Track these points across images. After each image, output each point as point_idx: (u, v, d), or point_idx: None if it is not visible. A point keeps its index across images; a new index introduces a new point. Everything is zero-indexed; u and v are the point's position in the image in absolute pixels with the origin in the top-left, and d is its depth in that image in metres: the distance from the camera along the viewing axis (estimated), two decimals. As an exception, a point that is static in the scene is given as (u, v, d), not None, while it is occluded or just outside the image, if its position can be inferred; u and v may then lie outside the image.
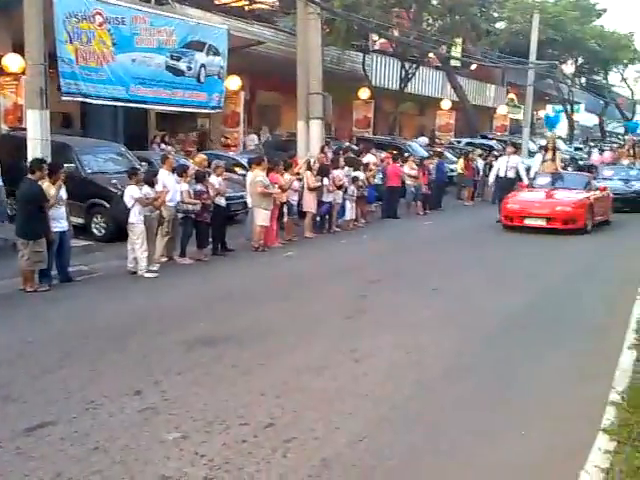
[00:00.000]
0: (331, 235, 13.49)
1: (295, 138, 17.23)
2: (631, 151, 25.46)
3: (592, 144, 38.35)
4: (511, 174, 16.82)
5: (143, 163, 12.66)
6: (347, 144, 19.96)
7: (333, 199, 13.51)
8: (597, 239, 13.53)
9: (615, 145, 37.21)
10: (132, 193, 9.37)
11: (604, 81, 48.25)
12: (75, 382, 5.33)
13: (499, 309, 7.84)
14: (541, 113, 46.55)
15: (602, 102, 49.09)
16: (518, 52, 30.15)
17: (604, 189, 15.46)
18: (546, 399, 5.15)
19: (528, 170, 17.11)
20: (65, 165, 10.16)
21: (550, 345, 6.44)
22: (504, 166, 17.02)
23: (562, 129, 47.25)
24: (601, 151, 32.88)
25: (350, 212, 14.19)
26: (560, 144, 34.55)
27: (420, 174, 16.78)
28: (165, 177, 10.17)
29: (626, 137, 37.95)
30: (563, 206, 13.74)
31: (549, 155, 17.39)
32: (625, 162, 24.35)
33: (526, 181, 16.29)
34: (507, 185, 16.26)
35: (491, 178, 17.43)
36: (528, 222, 13.65)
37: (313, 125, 16.40)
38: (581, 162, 30.19)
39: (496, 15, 30.78)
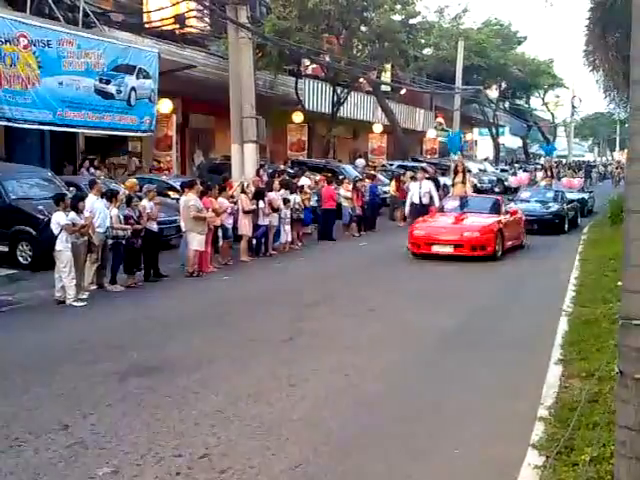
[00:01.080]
0: (267, 258, 13.45)
1: (229, 161, 17.18)
2: (548, 172, 25.99)
3: (517, 165, 39.87)
4: (425, 200, 16.81)
5: (71, 188, 12.31)
6: (282, 167, 20.04)
7: (269, 222, 13.51)
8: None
9: (532, 167, 38.33)
10: (59, 220, 9.09)
11: (526, 105, 50.49)
12: (-2, 419, 5.08)
13: (432, 328, 7.99)
14: (468, 136, 48.15)
15: (525, 125, 51.28)
16: (445, 77, 31.23)
17: (515, 212, 15.10)
18: (479, 416, 5.26)
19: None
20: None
21: (482, 363, 6.60)
22: (417, 192, 17.00)
23: (485, 151, 49.00)
24: (525, 172, 34.10)
25: (286, 235, 14.21)
26: (487, 166, 35.77)
27: (354, 196, 17.01)
28: (93, 202, 9.92)
29: (542, 159, 39.59)
30: (471, 232, 13.06)
31: (458, 178, 17.49)
32: (542, 183, 24.58)
33: (438, 204, 16.18)
34: (422, 211, 16.07)
35: (407, 207, 17.25)
36: (435, 249, 12.94)
37: (247, 148, 16.41)
38: (506, 183, 31.35)
39: (423, 41, 31.76)
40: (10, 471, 4.22)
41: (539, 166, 39.05)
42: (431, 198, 16.85)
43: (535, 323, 8.16)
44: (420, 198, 16.93)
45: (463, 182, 17.12)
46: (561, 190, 20.77)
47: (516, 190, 25.19)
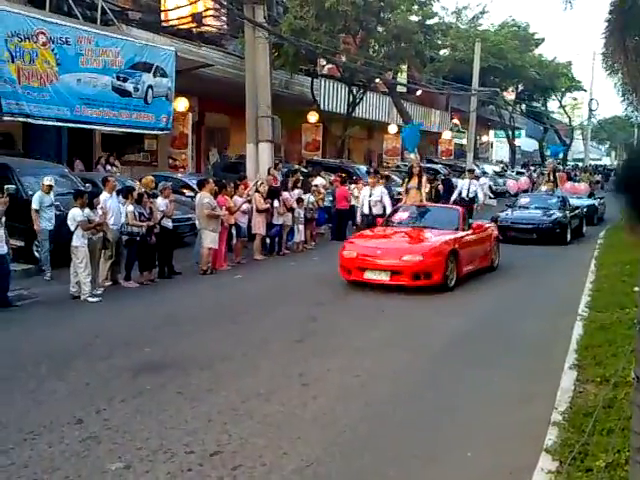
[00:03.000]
0: (280, 257, 13.46)
1: (244, 160, 17.22)
2: (551, 176, 22.67)
3: (533, 168, 39.45)
4: (377, 210, 13.89)
5: (87, 184, 12.40)
6: (297, 167, 20.06)
7: (283, 221, 13.53)
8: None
9: (534, 170, 35.33)
10: (75, 216, 9.15)
11: (543, 108, 50.14)
12: (13, 411, 5.12)
13: (444, 329, 7.96)
14: (484, 138, 47.97)
15: (542, 128, 50.93)
16: (461, 79, 31.09)
17: (480, 227, 11.92)
18: (491, 420, 5.23)
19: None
20: (5, 186, 9.92)
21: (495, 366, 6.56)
22: (367, 201, 14.08)
23: (501, 153, 48.58)
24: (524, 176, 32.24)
25: (299, 234, 14.22)
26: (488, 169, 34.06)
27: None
28: (107, 199, 9.98)
29: (546, 162, 34.63)
30: (413, 254, 9.94)
31: (413, 182, 14.58)
32: (544, 188, 22.05)
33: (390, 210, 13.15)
34: (372, 223, 13.17)
35: (358, 217, 14.56)
36: (368, 276, 9.97)
37: (262, 147, 16.44)
38: (496, 187, 28.70)
39: (440, 43, 31.67)
40: (24, 464, 4.25)
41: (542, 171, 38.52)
42: (384, 208, 13.78)
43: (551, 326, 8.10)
44: (370, 208, 13.98)
45: (418, 188, 14.29)
46: (564, 196, 18.92)
47: (515, 196, 23.31)
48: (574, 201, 19.04)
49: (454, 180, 22.08)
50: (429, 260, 9.89)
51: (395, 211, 12.51)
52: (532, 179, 29.52)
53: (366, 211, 13.97)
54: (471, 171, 21.68)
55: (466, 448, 4.69)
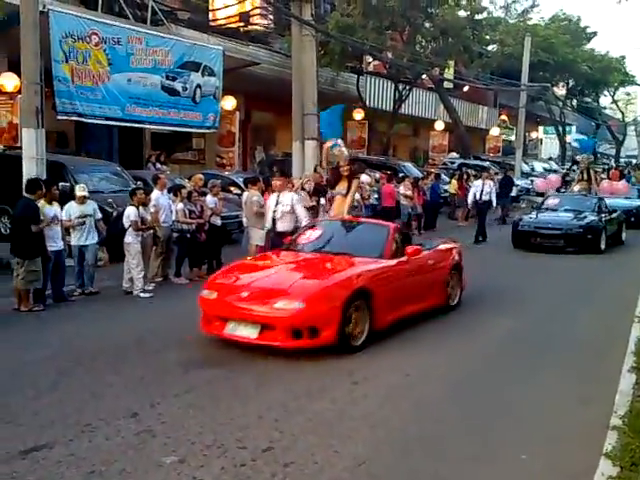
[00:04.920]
0: (326, 255, 13.44)
1: (289, 158, 17.29)
2: (584, 174, 19.38)
3: (606, 166, 38.14)
4: (283, 225, 10.03)
5: (138, 182, 12.65)
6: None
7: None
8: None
9: (600, 167, 31.88)
10: (129, 214, 9.35)
11: (595, 103, 48.87)
12: (71, 404, 5.25)
13: (496, 330, 7.83)
14: (533, 135, 47.02)
15: (593, 124, 49.67)
16: (510, 74, 30.52)
17: (416, 252, 7.93)
18: (546, 422, 5.11)
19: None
20: (60, 184, 10.18)
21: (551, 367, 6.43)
22: (271, 212, 10.09)
23: (550, 150, 47.45)
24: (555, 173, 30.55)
25: (345, 232, 14.14)
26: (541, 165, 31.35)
27: (415, 194, 16.85)
28: (158, 197, 10.16)
29: (578, 157, 27.93)
30: (290, 299, 6.59)
31: (341, 187, 10.50)
32: (576, 188, 19.42)
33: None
34: (278, 244, 9.49)
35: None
36: (229, 331, 6.75)
37: (308, 145, 16.47)
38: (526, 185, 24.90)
39: (488, 38, 31.17)
40: (82, 456, 4.36)
41: (606, 166, 37.45)
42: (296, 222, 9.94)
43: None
44: (275, 222, 10.02)
45: (345, 195, 10.35)
46: (600, 197, 16.77)
47: (542, 195, 20.69)
48: (613, 202, 17.11)
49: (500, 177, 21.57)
50: (314, 308, 6.49)
51: (306, 228, 8.83)
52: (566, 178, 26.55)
53: (269, 226, 10.04)
54: (486, 169, 19.82)
55: (520, 450, 4.60)
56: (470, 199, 17.17)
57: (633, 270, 12.76)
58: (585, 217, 14.66)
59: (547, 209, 15.77)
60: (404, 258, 7.81)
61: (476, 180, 17.99)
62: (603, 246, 14.40)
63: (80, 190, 9.40)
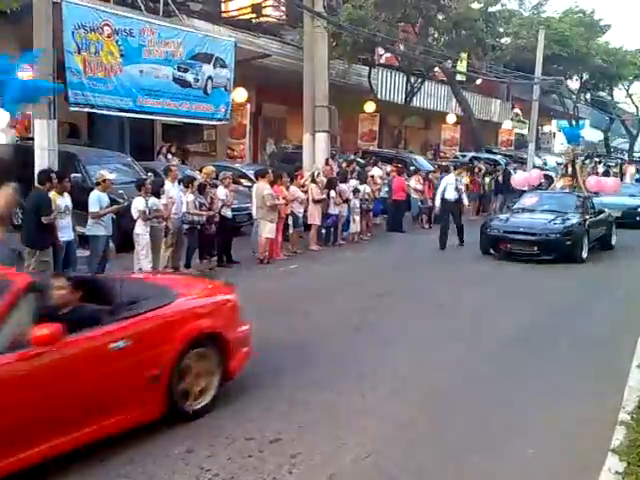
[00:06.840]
0: (336, 248, 13.46)
1: (301, 150, 17.27)
2: (569, 169, 16.35)
3: (597, 159, 38.10)
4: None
5: (149, 174, 12.68)
6: (353, 157, 20.00)
7: (339, 212, 13.52)
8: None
9: (613, 162, 28.65)
10: (137, 205, 9.38)
11: (609, 97, 48.41)
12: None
13: (504, 326, 7.81)
14: (546, 128, 46.64)
15: (607, 118, 49.22)
16: (523, 67, 30.26)
17: (51, 337, 4.00)
18: (554, 417, 5.10)
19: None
20: (71, 175, 10.22)
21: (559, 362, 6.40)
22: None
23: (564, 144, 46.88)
24: (606, 167, 30.49)
25: (355, 225, 14.18)
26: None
27: (426, 188, 16.79)
28: (169, 189, 10.17)
29: (563, 148, 23.15)
30: None
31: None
32: (559, 185, 16.30)
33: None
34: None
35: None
36: None
37: (319, 138, 16.43)
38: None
39: (502, 30, 30.87)
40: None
41: (619, 161, 37.09)
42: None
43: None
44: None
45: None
46: (586, 195, 14.51)
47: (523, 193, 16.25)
48: (604, 201, 15.43)
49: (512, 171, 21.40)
50: None
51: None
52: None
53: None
54: (459, 165, 17.49)
55: (528, 444, 4.60)
56: (438, 197, 14.26)
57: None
58: (565, 219, 12.59)
59: (523, 210, 13.66)
60: (30, 349, 4.02)
61: (447, 175, 15.24)
62: (585, 254, 12.35)
63: (107, 175, 9.32)
